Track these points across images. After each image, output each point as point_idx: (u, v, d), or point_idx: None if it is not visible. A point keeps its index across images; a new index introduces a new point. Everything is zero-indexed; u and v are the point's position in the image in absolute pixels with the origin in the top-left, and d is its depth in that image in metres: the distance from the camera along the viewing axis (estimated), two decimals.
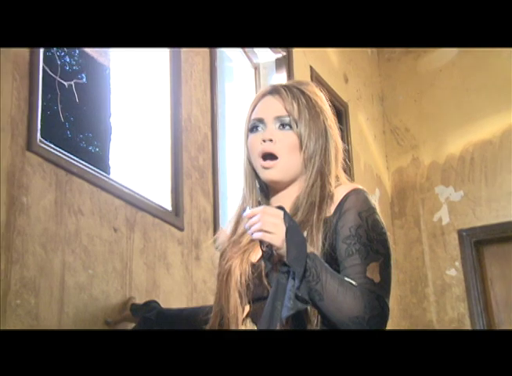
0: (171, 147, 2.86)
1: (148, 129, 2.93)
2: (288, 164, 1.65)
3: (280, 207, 1.50)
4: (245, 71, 4.06)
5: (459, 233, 5.03)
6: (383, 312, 1.49)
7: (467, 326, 4.83)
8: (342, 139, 4.94)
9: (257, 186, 1.71)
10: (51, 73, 2.73)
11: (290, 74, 4.15)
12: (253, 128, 1.69)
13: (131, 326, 2.23)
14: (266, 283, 1.53)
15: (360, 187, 1.63)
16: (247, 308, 1.60)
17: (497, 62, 5.13)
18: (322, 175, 1.64)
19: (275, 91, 1.70)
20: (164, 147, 2.88)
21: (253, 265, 1.61)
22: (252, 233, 1.48)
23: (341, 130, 5.11)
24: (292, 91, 1.69)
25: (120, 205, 2.43)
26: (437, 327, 4.88)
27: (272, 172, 1.64)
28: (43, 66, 2.26)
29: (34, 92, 2.13)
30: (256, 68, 4.12)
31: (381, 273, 1.52)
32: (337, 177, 1.70)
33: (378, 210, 1.60)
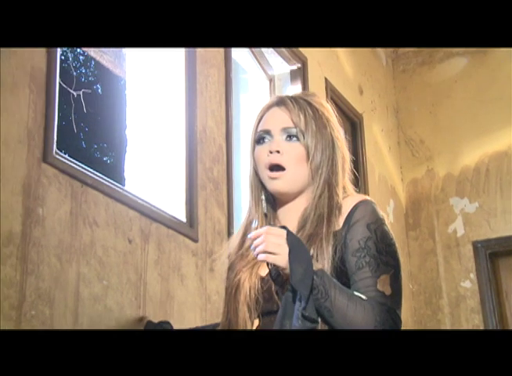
0: (185, 159, 2.88)
1: (163, 141, 2.94)
2: (295, 175, 1.63)
3: (283, 227, 1.49)
4: (260, 83, 4.07)
5: (474, 244, 5.01)
6: (395, 325, 1.48)
7: None
8: (356, 150, 4.96)
9: (264, 197, 1.69)
10: (65, 85, 2.75)
11: (304, 86, 4.16)
12: (259, 140, 1.68)
13: None
14: (276, 297, 1.53)
15: (368, 198, 1.62)
16: (256, 322, 1.59)
17: None
18: (330, 186, 1.63)
19: (281, 102, 1.69)
20: (178, 159, 2.89)
21: (262, 279, 1.60)
22: (256, 255, 1.48)
23: (356, 141, 5.10)
24: (298, 102, 1.68)
25: (134, 216, 2.44)
26: None
27: (279, 183, 1.63)
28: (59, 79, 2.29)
29: (50, 105, 2.15)
30: (271, 80, 4.13)
31: (392, 285, 1.51)
32: (344, 188, 1.69)
33: (387, 221, 1.59)
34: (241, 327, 1.59)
